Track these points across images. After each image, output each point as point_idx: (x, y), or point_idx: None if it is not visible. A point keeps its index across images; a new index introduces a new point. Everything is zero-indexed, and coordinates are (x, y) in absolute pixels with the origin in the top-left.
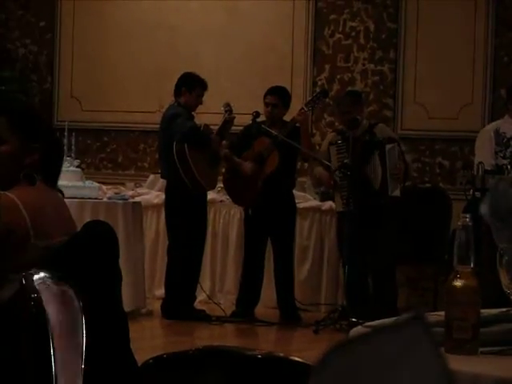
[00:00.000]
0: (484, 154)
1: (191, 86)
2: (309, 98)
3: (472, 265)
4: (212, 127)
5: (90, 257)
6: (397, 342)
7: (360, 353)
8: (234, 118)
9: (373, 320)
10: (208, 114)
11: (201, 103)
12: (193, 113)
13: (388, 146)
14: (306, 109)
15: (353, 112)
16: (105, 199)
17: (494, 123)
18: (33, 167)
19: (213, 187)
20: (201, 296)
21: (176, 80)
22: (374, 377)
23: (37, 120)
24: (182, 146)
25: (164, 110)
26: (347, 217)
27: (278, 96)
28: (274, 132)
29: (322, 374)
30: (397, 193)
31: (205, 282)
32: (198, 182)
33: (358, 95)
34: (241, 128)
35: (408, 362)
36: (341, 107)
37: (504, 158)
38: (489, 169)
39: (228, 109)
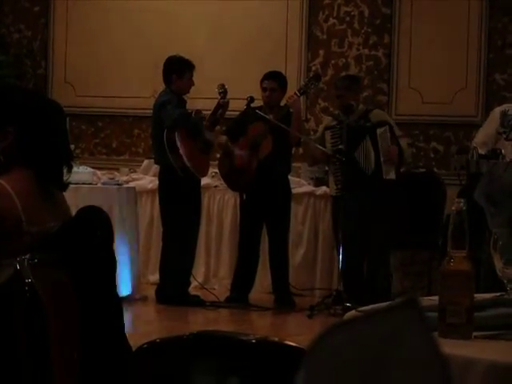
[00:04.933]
0: (481, 132)
1: (181, 71)
2: (302, 83)
3: (466, 249)
4: (205, 112)
5: (84, 242)
6: (390, 326)
7: (354, 336)
8: (228, 102)
9: (367, 305)
10: (201, 99)
11: (193, 84)
12: (186, 97)
13: (379, 130)
14: (298, 94)
15: (347, 96)
16: (99, 184)
17: (504, 105)
18: (6, 152)
19: (204, 174)
20: (195, 281)
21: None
22: (367, 360)
23: (5, 103)
24: (173, 133)
25: (156, 95)
26: (342, 202)
27: (276, 80)
28: (267, 117)
29: (315, 355)
30: (392, 175)
31: (199, 267)
32: (189, 169)
33: (354, 80)
34: (235, 113)
35: (401, 346)
36: (337, 90)
37: (507, 139)
38: (482, 152)
39: (222, 90)
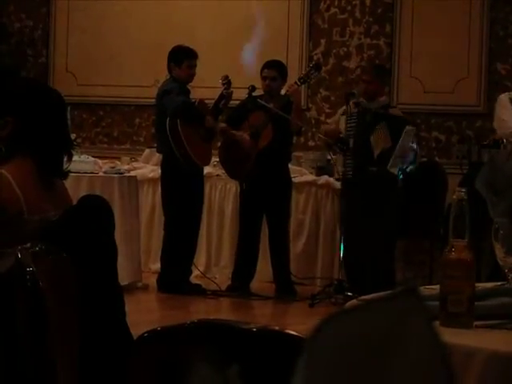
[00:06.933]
0: (507, 114)
1: (178, 59)
2: (302, 73)
3: (467, 238)
4: (208, 101)
5: (85, 231)
6: (391, 315)
7: (354, 325)
8: (232, 93)
9: (368, 294)
10: (203, 88)
11: (194, 73)
12: (189, 86)
13: (409, 127)
14: (298, 83)
15: (373, 83)
16: (100, 173)
17: (506, 93)
18: (6, 141)
19: (207, 163)
20: (196, 270)
21: None
22: (368, 349)
23: (5, 93)
24: (175, 121)
25: (160, 84)
26: (344, 190)
27: (276, 69)
28: (268, 106)
29: (315, 343)
30: (394, 170)
31: (200, 256)
32: (191, 158)
33: (383, 70)
34: (236, 102)
35: (402, 335)
36: (364, 75)
37: None
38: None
39: (226, 81)
